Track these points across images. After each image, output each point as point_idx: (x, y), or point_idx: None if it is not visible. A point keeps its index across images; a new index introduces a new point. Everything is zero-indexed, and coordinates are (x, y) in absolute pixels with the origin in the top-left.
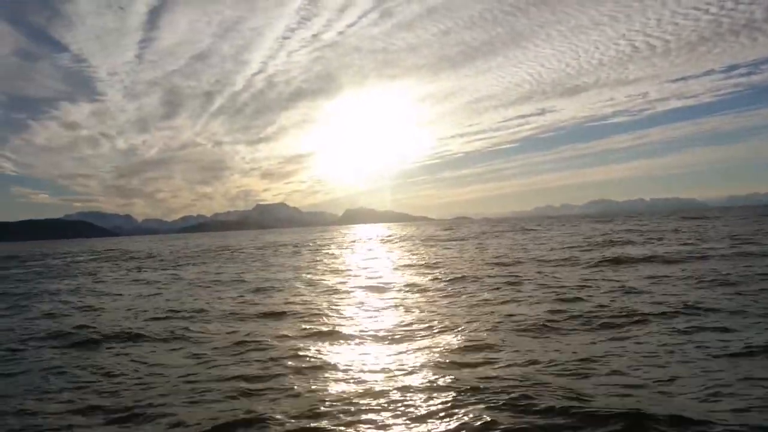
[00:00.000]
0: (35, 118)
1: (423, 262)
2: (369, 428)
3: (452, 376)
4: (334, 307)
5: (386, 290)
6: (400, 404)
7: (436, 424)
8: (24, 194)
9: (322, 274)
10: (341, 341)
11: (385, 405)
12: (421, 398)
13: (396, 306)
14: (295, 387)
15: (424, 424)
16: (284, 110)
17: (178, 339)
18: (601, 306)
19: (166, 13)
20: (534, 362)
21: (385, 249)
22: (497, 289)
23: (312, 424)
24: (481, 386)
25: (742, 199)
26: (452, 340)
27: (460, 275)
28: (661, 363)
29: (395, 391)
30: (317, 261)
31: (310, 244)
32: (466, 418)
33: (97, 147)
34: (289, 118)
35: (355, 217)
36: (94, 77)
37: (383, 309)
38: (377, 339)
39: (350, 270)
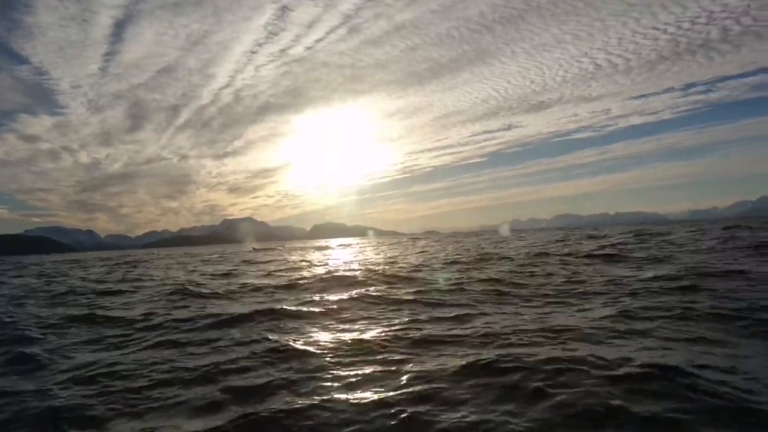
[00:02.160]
0: None
1: None
2: None
3: None
4: None
5: None
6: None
7: None
8: None
9: None
10: None
11: None
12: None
13: None
14: None
15: None
16: (252, 124)
17: None
18: None
19: (131, 25)
20: None
21: None
22: None
23: None
24: None
25: (703, 213)
26: None
27: None
28: None
29: None
30: None
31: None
32: None
33: (58, 161)
34: (256, 132)
35: (323, 231)
36: (55, 90)
37: None
38: None
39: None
